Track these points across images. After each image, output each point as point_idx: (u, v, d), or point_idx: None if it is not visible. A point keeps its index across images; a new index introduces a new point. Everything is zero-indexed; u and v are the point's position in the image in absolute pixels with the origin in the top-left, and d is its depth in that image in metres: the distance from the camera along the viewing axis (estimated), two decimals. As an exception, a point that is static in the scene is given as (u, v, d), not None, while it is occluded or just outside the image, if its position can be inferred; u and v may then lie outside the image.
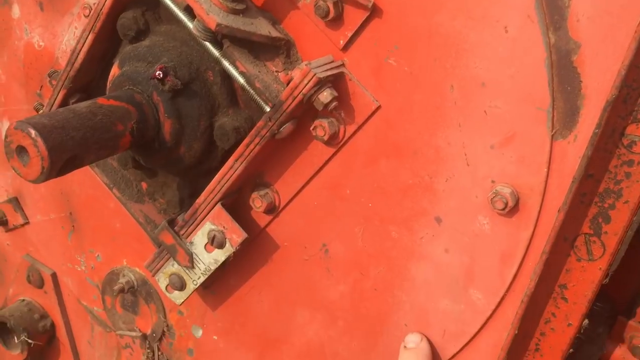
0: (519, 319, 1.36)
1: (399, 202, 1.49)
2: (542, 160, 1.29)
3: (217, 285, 1.83)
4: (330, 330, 1.70)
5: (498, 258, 1.41)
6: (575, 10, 1.19)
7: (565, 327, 1.39)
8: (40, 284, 2.22)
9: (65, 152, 1.26)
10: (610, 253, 1.29)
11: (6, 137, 1.23)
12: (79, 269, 2.13)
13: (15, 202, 2.18)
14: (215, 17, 1.34)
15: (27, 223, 2.19)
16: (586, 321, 1.39)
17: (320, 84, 1.36)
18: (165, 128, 1.52)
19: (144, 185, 1.84)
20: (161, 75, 1.45)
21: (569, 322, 1.38)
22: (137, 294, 2.00)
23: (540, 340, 1.43)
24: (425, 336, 1.52)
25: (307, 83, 1.34)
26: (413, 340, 1.52)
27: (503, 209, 1.33)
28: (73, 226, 2.07)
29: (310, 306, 1.71)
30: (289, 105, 1.38)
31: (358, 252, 1.58)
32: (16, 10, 1.90)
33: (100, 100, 1.41)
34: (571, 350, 1.42)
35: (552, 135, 1.27)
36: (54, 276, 2.19)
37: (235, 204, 1.66)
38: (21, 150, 1.22)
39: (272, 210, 1.64)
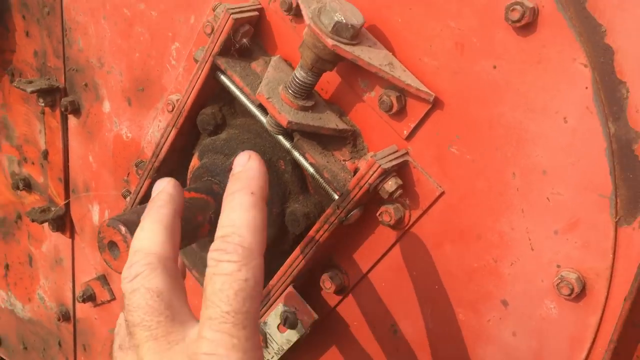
0: (592, 408, 1.34)
1: (464, 285, 1.51)
2: (607, 246, 1.30)
3: (288, 363, 1.88)
4: (401, 410, 1.71)
5: (567, 343, 1.40)
6: (634, 102, 1.21)
7: (641, 416, 1.36)
8: None
9: None
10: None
11: (99, 232, 1.35)
12: (159, 344, 2.22)
13: (103, 279, 2.32)
14: (286, 115, 1.45)
15: (113, 299, 2.32)
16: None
17: (385, 173, 1.43)
18: (241, 215, 1.62)
19: (220, 265, 1.93)
20: (237, 167, 1.56)
21: (645, 411, 1.35)
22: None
23: None
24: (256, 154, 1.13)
25: (373, 174, 1.42)
26: (240, 162, 1.13)
27: (569, 295, 1.33)
28: (154, 302, 2.17)
29: (380, 386, 1.73)
30: (356, 194, 1.46)
31: (427, 333, 1.61)
32: (107, 105, 2.08)
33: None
34: None
35: (617, 222, 1.28)
36: (137, 350, 2.29)
37: (306, 284, 1.73)
38: (112, 245, 1.32)
39: (341, 290, 1.70)
